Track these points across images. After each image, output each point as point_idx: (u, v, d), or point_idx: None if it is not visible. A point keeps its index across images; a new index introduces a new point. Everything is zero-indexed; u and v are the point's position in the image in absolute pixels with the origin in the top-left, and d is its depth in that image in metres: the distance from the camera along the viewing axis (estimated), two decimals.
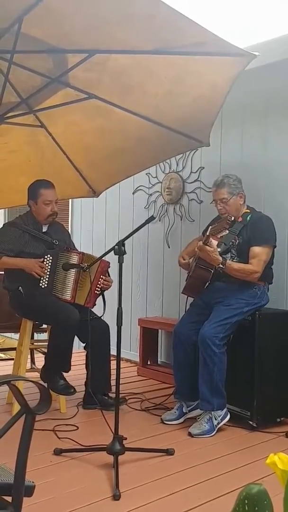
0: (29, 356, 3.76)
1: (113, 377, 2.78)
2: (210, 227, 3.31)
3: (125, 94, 3.26)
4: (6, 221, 5.20)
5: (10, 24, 2.57)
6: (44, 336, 3.74)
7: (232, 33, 3.00)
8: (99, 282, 3.37)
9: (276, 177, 3.71)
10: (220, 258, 3.06)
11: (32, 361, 4.13)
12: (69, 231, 4.78)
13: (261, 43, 3.43)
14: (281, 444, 2.89)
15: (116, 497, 2.18)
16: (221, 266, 3.07)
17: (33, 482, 1.31)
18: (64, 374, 3.33)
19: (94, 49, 2.84)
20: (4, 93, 2.98)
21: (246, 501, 0.74)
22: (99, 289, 3.39)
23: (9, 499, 1.25)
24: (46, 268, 3.30)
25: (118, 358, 2.58)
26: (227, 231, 3.18)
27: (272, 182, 3.73)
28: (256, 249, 3.12)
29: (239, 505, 0.75)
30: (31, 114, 3.52)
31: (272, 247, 3.20)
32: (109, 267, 3.41)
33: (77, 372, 3.70)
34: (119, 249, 2.55)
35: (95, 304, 3.42)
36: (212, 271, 3.15)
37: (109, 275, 3.44)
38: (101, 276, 3.38)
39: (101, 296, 3.43)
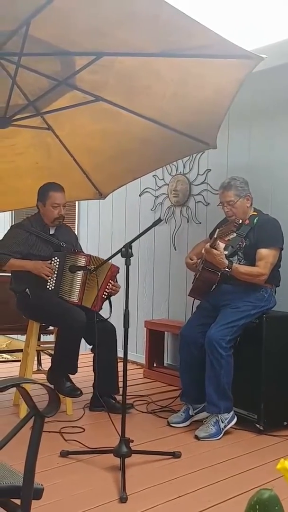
0: (35, 358, 3.77)
1: (120, 379, 2.77)
2: (218, 229, 3.30)
3: (131, 96, 3.26)
4: (13, 223, 5.22)
5: (18, 27, 2.58)
6: (51, 338, 3.75)
7: (238, 36, 3.00)
8: (107, 287, 3.38)
9: (283, 179, 3.70)
10: (226, 262, 3.06)
11: (39, 363, 4.13)
12: (76, 233, 4.79)
13: (268, 45, 3.43)
14: None
15: (123, 499, 2.18)
16: (227, 269, 3.06)
17: (41, 484, 1.31)
18: (71, 376, 3.34)
19: (101, 51, 2.85)
20: (12, 95, 2.99)
21: (257, 506, 0.74)
22: (106, 294, 3.40)
23: (18, 501, 1.25)
24: (54, 269, 3.30)
25: (125, 360, 2.58)
26: (235, 234, 3.17)
27: (279, 184, 3.72)
28: (263, 252, 3.11)
29: (250, 510, 0.74)
30: (39, 117, 3.54)
31: (279, 250, 3.19)
32: (118, 272, 3.41)
33: (84, 374, 3.70)
34: (126, 251, 2.55)
35: (101, 308, 3.42)
36: (219, 274, 3.14)
37: (116, 281, 3.45)
38: (110, 281, 3.39)
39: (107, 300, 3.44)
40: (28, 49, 2.73)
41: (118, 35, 2.68)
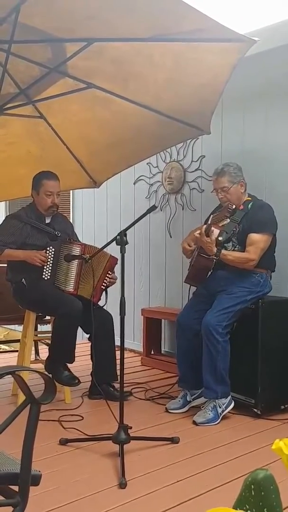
0: (33, 348, 3.77)
1: (118, 367, 2.79)
2: (212, 215, 3.30)
3: (125, 83, 3.23)
4: (8, 214, 5.20)
5: (8, 14, 2.55)
6: (48, 327, 3.75)
7: (229, 19, 2.96)
8: (106, 278, 3.39)
9: (278, 164, 3.69)
10: (215, 250, 3.05)
11: (37, 353, 4.14)
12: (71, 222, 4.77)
13: (260, 29, 3.40)
14: (286, 431, 2.90)
15: (122, 485, 2.20)
16: (214, 257, 3.07)
17: (39, 471, 1.31)
18: (69, 365, 3.35)
19: (93, 37, 2.82)
20: (3, 84, 2.96)
21: (252, 486, 0.74)
22: (105, 285, 3.40)
23: (16, 488, 1.26)
24: (48, 257, 3.30)
25: (122, 347, 2.58)
26: (228, 220, 3.17)
27: (274, 169, 3.71)
28: (253, 237, 3.11)
29: (245, 491, 0.75)
30: (30, 105, 3.50)
31: (271, 235, 3.18)
32: (116, 263, 3.41)
33: (82, 363, 3.71)
34: (121, 239, 2.54)
35: (100, 299, 3.43)
36: (214, 260, 3.14)
37: (113, 272, 3.45)
38: (109, 272, 3.39)
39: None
40: (18, 36, 2.70)
41: (110, 20, 2.65)
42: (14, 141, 3.87)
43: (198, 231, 3.13)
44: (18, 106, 3.30)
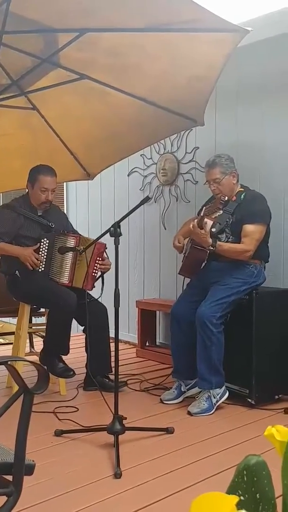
0: (28, 340, 3.77)
1: (113, 358, 2.79)
2: (204, 207, 3.30)
3: (118, 74, 3.21)
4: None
5: None
6: (43, 319, 3.75)
7: (224, 9, 2.95)
8: (96, 264, 3.37)
9: (272, 156, 3.68)
10: (210, 241, 3.05)
11: (31, 345, 4.14)
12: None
13: (254, 19, 3.38)
14: (279, 420, 2.91)
15: (117, 475, 2.21)
16: (211, 248, 3.07)
17: (33, 461, 1.31)
18: (64, 356, 3.35)
19: (85, 28, 2.80)
20: None
21: (245, 472, 0.75)
22: (96, 272, 3.39)
23: (10, 478, 1.26)
24: (41, 259, 3.28)
25: (116, 339, 2.59)
26: (221, 211, 3.17)
27: (268, 161, 3.70)
28: (248, 228, 3.11)
29: (238, 476, 0.75)
30: (23, 97, 3.48)
31: (266, 225, 3.18)
32: (105, 248, 3.40)
33: (77, 355, 3.72)
34: (115, 230, 2.54)
35: (94, 286, 3.42)
36: (208, 251, 3.15)
37: (107, 257, 3.43)
38: (98, 258, 3.37)
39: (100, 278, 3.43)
40: (9, 26, 2.68)
41: (103, 10, 2.63)
42: (7, 133, 3.84)
43: (192, 224, 3.12)
44: (10, 98, 3.28)
